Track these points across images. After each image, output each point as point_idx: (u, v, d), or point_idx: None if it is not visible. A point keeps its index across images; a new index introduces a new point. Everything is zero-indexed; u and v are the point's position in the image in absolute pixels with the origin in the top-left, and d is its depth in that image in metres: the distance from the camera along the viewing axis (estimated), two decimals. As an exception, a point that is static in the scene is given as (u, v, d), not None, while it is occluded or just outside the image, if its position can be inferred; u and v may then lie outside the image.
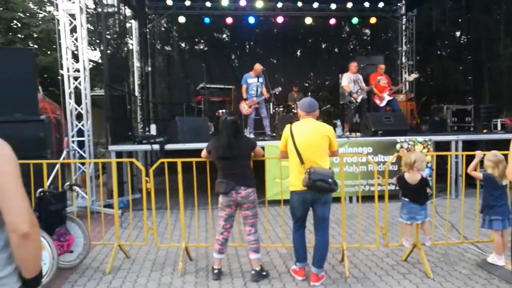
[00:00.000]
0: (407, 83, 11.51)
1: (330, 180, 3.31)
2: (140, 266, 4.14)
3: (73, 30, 6.39)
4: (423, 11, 12.19)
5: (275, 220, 5.87)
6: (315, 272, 3.49)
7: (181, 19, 11.48)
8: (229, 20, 11.58)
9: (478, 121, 8.71)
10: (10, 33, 14.08)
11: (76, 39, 6.31)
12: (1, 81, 5.65)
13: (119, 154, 6.90)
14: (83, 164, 6.44)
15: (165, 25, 13.77)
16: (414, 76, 8.88)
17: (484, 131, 8.12)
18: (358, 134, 7.78)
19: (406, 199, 3.82)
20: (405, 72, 12.50)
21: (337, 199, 4.14)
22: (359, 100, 8.21)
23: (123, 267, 4.11)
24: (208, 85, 9.54)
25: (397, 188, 4.00)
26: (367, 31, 14.81)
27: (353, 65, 8.42)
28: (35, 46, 14.15)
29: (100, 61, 16.80)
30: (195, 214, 4.87)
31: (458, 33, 11.97)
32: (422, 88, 11.92)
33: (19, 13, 14.21)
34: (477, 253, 4.24)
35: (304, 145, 3.43)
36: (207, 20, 11.54)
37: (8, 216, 1.31)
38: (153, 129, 9.07)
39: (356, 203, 6.66)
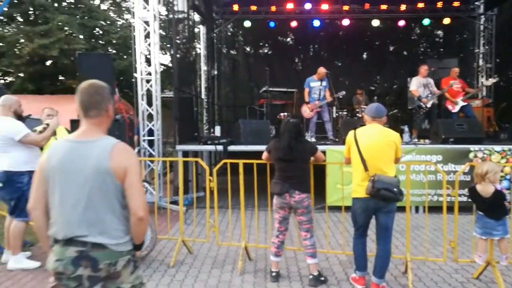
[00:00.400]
0: (484, 88, 10.68)
1: (395, 189, 3.19)
2: (201, 262, 4.30)
3: (147, 36, 6.84)
4: (505, 9, 11.23)
5: (335, 226, 5.78)
6: (375, 282, 3.39)
7: (247, 24, 11.73)
8: (293, 23, 11.61)
9: None
10: (93, 40, 15.38)
11: (149, 44, 6.73)
12: (84, 83, 6.20)
13: (185, 154, 7.22)
14: (152, 161, 6.83)
15: (231, 29, 14.16)
16: (492, 80, 8.23)
17: None
18: (427, 141, 7.39)
19: (481, 213, 3.55)
20: (482, 76, 11.63)
21: (402, 208, 3.98)
22: (429, 105, 7.78)
23: (186, 261, 4.30)
24: (271, 89, 9.63)
25: (469, 200, 3.74)
26: (440, 32, 13.99)
27: (423, 68, 8.02)
28: (114, 51, 15.28)
29: (170, 64, 17.75)
30: (255, 214, 4.94)
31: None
32: (501, 93, 10.97)
33: (101, 21, 15.47)
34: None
35: (368, 151, 3.35)
36: (272, 24, 11.68)
37: (131, 203, 1.85)
38: (217, 131, 9.37)
39: (423, 213, 6.33)
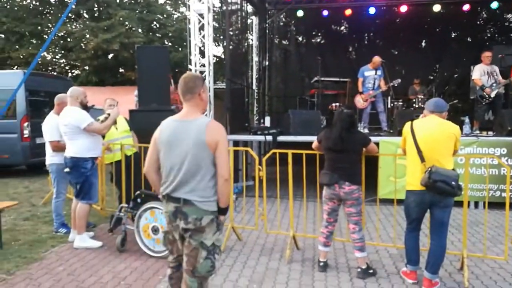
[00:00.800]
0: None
1: (453, 183, 3.05)
2: (250, 249, 4.40)
3: (201, 28, 7.02)
4: None
5: (386, 220, 5.63)
6: (428, 278, 3.28)
7: (300, 13, 11.60)
8: (348, 11, 11.29)
9: None
10: (151, 33, 16.04)
11: (203, 36, 6.91)
12: (143, 76, 6.52)
13: (235, 143, 7.37)
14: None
15: (283, 19, 14.07)
16: None
17: None
18: (490, 133, 6.92)
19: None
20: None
21: (460, 203, 3.79)
22: (492, 95, 7.25)
23: (235, 248, 4.42)
24: (322, 78, 9.49)
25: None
26: (509, 16, 12.92)
27: (486, 55, 7.45)
28: (169, 43, 15.83)
29: (223, 56, 18.07)
30: (303, 205, 4.95)
31: None
32: None
33: (158, 15, 16.08)
34: None
35: (426, 142, 3.22)
36: (325, 12, 11.45)
37: (220, 168, 2.34)
38: (267, 121, 9.44)
39: (482, 209, 5.97)
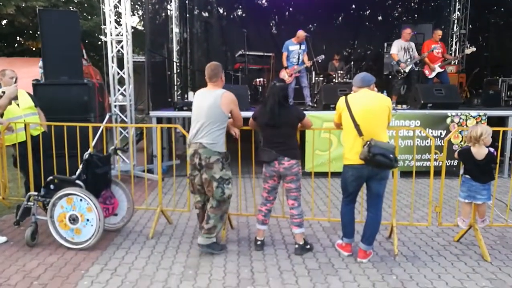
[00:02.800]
0: (462, 56, 10.72)
1: (391, 155, 3.09)
2: (182, 232, 4.15)
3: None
4: (481, -26, 11.17)
5: (315, 193, 5.74)
6: (363, 249, 3.36)
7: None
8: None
9: (538, 96, 8.04)
10: (53, -3, 14.19)
11: (119, 2, 6.20)
12: (48, 44, 5.69)
13: (159, 120, 6.91)
14: (124, 128, 6.49)
15: (203, -11, 13.47)
16: (472, 49, 8.18)
17: (545, 107, 7.49)
18: (405, 106, 7.39)
19: (467, 176, 3.54)
20: (456, 43, 11.71)
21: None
22: (407, 70, 7.73)
23: (165, 232, 4.14)
24: (247, 52, 9.28)
25: (454, 164, 3.72)
26: (415, -1, 13.87)
27: (406, 32, 7.85)
28: (76, 10, 14.23)
29: (138, 27, 16.82)
30: (238, 182, 4.79)
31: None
32: (473, 60, 11.09)
33: (61, -23, 14.26)
34: (537, 237, 3.95)
35: (362, 116, 3.21)
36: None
37: (236, 122, 3.64)
38: (191, 96, 9.04)
39: (399, 178, 6.40)
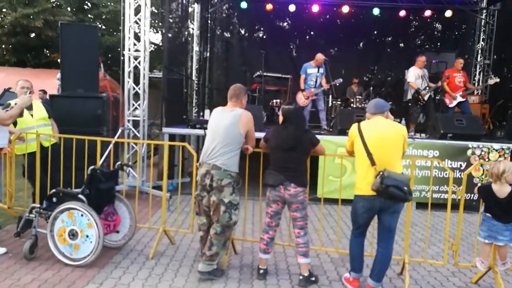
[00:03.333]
0: (485, 87, 10.46)
1: (405, 188, 2.90)
2: (183, 254, 4.01)
3: (137, 10, 6.38)
4: (509, 4, 10.97)
5: (325, 220, 5.53)
6: (372, 285, 3.14)
7: (243, 5, 11.25)
8: (292, 7, 11.17)
9: None
10: (81, 13, 14.68)
11: (139, 19, 6.28)
12: (67, 57, 5.78)
13: (172, 137, 6.87)
14: (136, 143, 6.47)
15: (226, 11, 13.70)
16: (495, 79, 7.95)
17: None
18: (423, 135, 7.16)
19: (488, 215, 3.31)
20: (480, 73, 11.45)
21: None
22: (426, 98, 7.53)
23: (166, 253, 4.00)
24: (265, 74, 9.26)
25: (474, 198, 3.49)
26: (438, 26, 13.73)
27: (422, 60, 7.72)
28: (103, 26, 14.66)
29: (161, 44, 17.17)
30: (244, 204, 4.64)
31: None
32: (497, 91, 10.80)
33: (90, -7, 14.77)
34: None
35: (375, 144, 3.05)
36: (269, 6, 11.22)
37: (249, 141, 3.49)
38: (207, 115, 9.01)
39: (415, 210, 6.14)
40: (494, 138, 7.88)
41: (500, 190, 3.24)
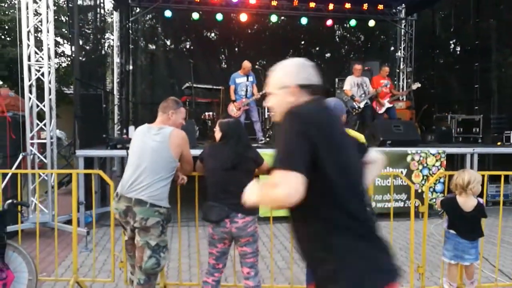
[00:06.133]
0: (409, 92, 10.82)
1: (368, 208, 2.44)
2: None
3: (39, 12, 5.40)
4: (424, 16, 11.59)
5: (267, 238, 4.97)
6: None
7: (167, 13, 10.52)
8: (219, 16, 10.68)
9: (488, 133, 8.06)
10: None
11: (40, 22, 5.31)
12: None
13: (89, 160, 5.92)
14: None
15: (149, 20, 12.89)
16: (418, 85, 8.16)
17: (499, 143, 7.45)
18: (362, 143, 6.99)
19: (453, 232, 2.98)
20: (403, 79, 11.91)
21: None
22: (361, 105, 7.43)
23: (80, 311, 3.15)
24: (195, 85, 8.61)
25: (439, 211, 3.18)
26: (361, 36, 14.21)
27: (357, 68, 7.66)
28: (3, 36, 12.97)
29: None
30: (178, 233, 3.91)
31: (461, 40, 11.39)
32: (421, 96, 11.29)
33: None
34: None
35: None
36: (195, 15, 10.62)
37: (185, 165, 2.87)
38: (131, 131, 8.11)
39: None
40: (426, 143, 8.04)
41: (466, 203, 2.94)
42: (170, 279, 3.59)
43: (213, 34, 13.44)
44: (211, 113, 9.08)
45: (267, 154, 5.57)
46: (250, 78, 7.43)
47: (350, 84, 7.50)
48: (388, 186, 5.98)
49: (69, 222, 5.30)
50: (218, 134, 2.87)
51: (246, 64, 7.39)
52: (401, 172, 6.14)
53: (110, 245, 4.79)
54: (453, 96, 10.64)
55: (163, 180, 2.61)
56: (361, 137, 2.78)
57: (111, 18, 10.40)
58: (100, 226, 5.49)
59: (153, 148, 2.63)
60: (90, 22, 7.80)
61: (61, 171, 5.57)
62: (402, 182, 6.13)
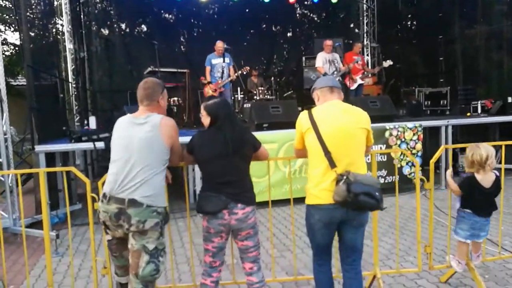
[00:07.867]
0: (381, 69, 10.86)
1: (377, 194, 2.22)
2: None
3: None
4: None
5: (263, 226, 4.75)
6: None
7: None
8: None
9: (455, 104, 8.22)
10: None
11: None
12: None
13: (50, 156, 5.37)
14: None
15: (100, 3, 12.04)
16: (389, 62, 8.12)
17: (468, 114, 7.60)
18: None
19: (468, 211, 2.85)
20: (368, 55, 11.93)
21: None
22: (335, 82, 7.29)
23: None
24: (157, 69, 8.12)
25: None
26: (323, 13, 14.06)
27: (327, 44, 7.49)
28: None
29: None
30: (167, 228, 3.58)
31: (423, 13, 11.49)
32: (387, 71, 11.36)
33: None
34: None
35: (334, 139, 2.29)
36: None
37: (174, 156, 2.46)
38: (92, 122, 7.55)
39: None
40: (399, 117, 8.06)
41: (485, 179, 2.79)
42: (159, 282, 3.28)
43: (171, 16, 12.79)
44: (176, 98, 8.67)
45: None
46: (227, 60, 7.17)
47: (322, 61, 7.33)
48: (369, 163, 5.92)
49: (32, 225, 4.82)
50: (206, 119, 2.51)
51: (219, 44, 7.15)
52: (380, 148, 6.10)
53: (83, 247, 4.40)
54: (418, 70, 10.78)
55: (157, 174, 2.28)
56: (366, 117, 2.53)
57: (58, 1, 9.55)
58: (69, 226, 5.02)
59: (142, 139, 2.28)
60: (33, 6, 7.12)
61: (24, 170, 5.01)
62: (382, 158, 6.10)
